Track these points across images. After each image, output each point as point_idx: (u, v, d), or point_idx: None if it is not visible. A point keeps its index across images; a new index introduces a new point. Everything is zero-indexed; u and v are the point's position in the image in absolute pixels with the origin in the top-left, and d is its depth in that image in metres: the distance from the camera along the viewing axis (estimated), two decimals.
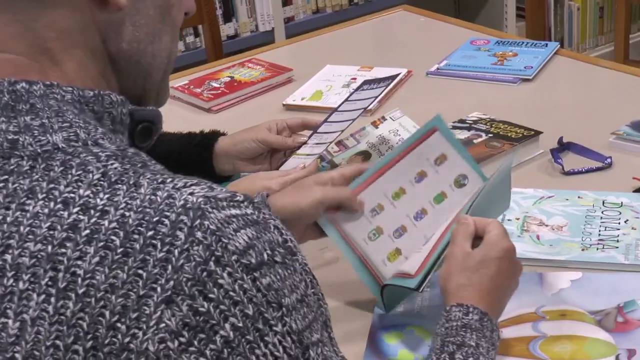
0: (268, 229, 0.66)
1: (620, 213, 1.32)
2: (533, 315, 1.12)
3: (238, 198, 0.67)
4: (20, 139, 0.68)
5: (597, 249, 1.24)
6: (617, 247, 1.23)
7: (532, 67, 1.86)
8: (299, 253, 0.68)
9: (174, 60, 0.84)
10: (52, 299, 0.63)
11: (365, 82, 1.54)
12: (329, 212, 1.14)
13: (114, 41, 0.76)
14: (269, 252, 0.65)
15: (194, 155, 1.44)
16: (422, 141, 1.20)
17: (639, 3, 3.29)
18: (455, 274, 1.00)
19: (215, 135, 1.46)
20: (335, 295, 1.18)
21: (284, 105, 1.82)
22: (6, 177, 0.67)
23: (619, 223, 1.29)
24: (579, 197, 1.37)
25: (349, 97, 1.51)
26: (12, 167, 0.67)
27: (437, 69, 1.94)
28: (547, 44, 1.98)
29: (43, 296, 0.63)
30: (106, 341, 0.62)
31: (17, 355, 0.63)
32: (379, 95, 1.47)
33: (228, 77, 1.94)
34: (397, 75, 1.52)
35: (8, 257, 0.65)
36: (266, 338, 0.64)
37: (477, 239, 1.04)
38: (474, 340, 0.93)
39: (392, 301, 1.15)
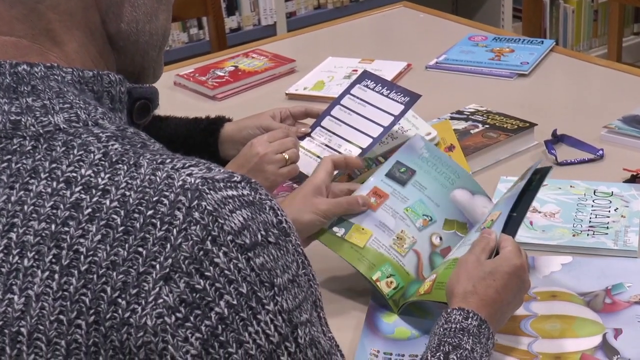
0: (263, 209, 0.68)
1: (611, 202, 1.37)
2: (525, 296, 1.16)
3: (235, 179, 0.68)
4: (23, 119, 0.69)
5: (588, 234, 1.29)
6: (606, 234, 1.28)
7: (528, 63, 1.91)
8: (293, 234, 0.70)
9: (169, 37, 0.85)
10: (56, 276, 0.65)
11: (366, 75, 1.53)
12: None
13: (113, 22, 0.76)
14: (263, 232, 0.67)
15: (200, 140, 1.47)
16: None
17: (633, 6, 3.34)
18: (463, 280, 1.02)
19: (221, 120, 1.49)
20: (335, 278, 1.22)
21: (286, 94, 1.86)
22: (9, 156, 0.68)
23: (609, 211, 1.34)
24: (571, 186, 1.42)
25: (349, 89, 1.52)
26: (14, 147, 0.68)
27: (436, 63, 1.98)
28: (542, 41, 2.03)
29: (47, 273, 0.65)
30: (107, 316, 0.64)
31: (22, 329, 0.65)
32: (399, 115, 1.43)
33: (232, 66, 1.99)
34: (417, 97, 1.43)
35: (13, 235, 0.66)
36: (258, 316, 0.65)
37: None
38: (470, 344, 0.94)
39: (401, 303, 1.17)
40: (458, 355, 0.93)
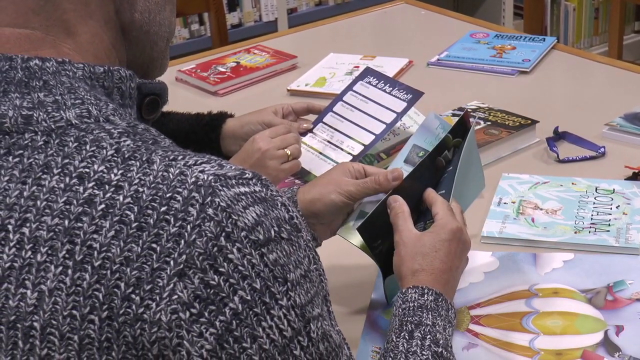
0: (275, 206, 0.68)
1: (612, 199, 1.37)
2: (526, 293, 1.17)
3: (247, 175, 0.68)
4: (34, 114, 0.69)
5: (590, 232, 1.29)
6: (608, 231, 1.28)
7: (529, 60, 1.91)
8: (304, 230, 0.71)
9: (174, 29, 0.86)
10: (69, 271, 0.65)
11: (369, 71, 1.53)
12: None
13: (127, 11, 0.77)
14: (276, 228, 0.67)
15: (202, 135, 1.47)
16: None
17: (634, 3, 3.34)
18: (408, 260, 1.02)
19: (223, 116, 1.49)
20: (335, 275, 1.21)
21: (288, 90, 1.86)
22: (21, 151, 0.69)
23: (611, 208, 1.34)
24: (572, 183, 1.42)
25: (352, 85, 1.53)
26: (26, 142, 0.69)
27: (438, 59, 1.99)
28: (544, 39, 2.03)
29: (60, 268, 0.65)
30: (121, 311, 0.64)
31: (35, 324, 0.66)
32: (402, 113, 1.43)
33: (234, 62, 1.99)
34: (420, 94, 1.44)
35: (26, 230, 0.66)
36: (272, 311, 0.66)
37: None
38: (430, 319, 0.96)
39: (393, 292, 1.14)
40: (421, 332, 0.94)
